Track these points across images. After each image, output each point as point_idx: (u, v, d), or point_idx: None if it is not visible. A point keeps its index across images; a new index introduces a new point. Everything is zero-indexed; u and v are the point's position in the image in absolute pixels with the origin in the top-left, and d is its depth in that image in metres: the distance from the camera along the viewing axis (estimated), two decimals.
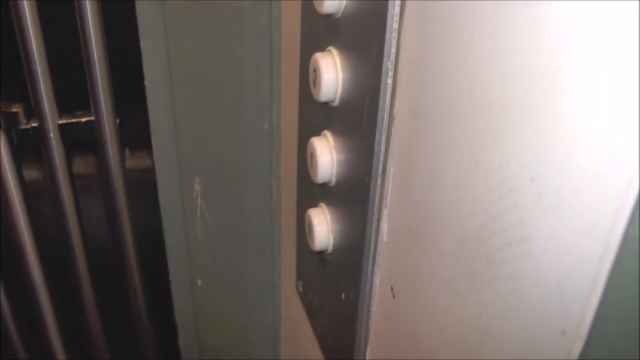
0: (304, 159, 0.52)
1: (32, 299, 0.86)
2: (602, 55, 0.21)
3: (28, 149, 0.82)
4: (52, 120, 0.78)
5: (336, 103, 0.46)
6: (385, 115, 0.38)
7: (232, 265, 0.82)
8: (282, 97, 0.68)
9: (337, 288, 0.49)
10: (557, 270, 0.24)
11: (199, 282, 0.84)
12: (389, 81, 0.37)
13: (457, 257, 0.31)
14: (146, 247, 0.90)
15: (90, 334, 0.91)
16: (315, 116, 0.50)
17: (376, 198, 0.40)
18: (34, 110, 0.76)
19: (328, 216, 0.49)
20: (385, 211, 0.40)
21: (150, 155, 0.76)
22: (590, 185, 0.21)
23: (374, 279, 0.43)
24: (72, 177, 0.82)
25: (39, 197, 0.87)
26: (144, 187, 0.88)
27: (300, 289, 0.63)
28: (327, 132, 0.48)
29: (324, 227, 0.49)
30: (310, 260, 0.57)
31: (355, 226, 0.44)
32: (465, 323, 0.31)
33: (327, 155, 0.47)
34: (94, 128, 0.80)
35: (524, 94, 0.25)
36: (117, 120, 0.80)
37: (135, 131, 0.82)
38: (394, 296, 0.40)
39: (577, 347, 0.22)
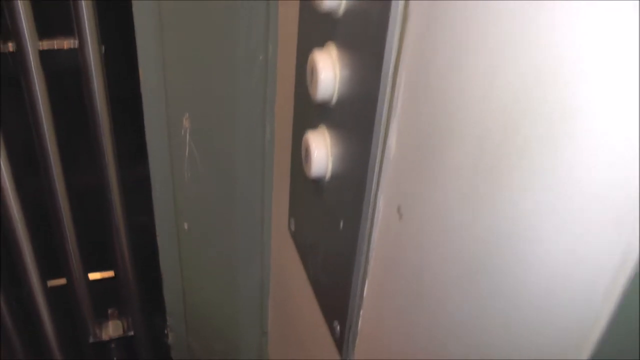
0: (303, 78, 0.48)
1: (11, 243, 0.82)
2: None
3: (6, 77, 0.77)
4: (32, 44, 0.72)
5: (341, 12, 0.41)
6: (400, 8, 0.33)
7: (220, 207, 0.77)
8: (280, 25, 0.63)
9: (334, 217, 0.45)
10: (612, 155, 0.19)
11: (186, 226, 0.80)
12: None
13: (480, 157, 0.27)
14: (131, 188, 0.85)
15: (72, 281, 0.87)
16: (317, 28, 0.46)
17: (384, 109, 0.36)
18: (11, 31, 0.71)
19: (328, 139, 0.45)
20: (394, 123, 0.36)
21: (137, 90, 0.71)
22: None
23: (377, 200, 0.39)
24: (53, 107, 0.77)
25: (18, 131, 0.82)
26: (130, 124, 0.83)
27: (293, 228, 0.59)
28: (330, 44, 0.43)
29: (322, 150, 0.45)
30: (305, 192, 0.53)
31: (358, 144, 0.39)
32: (486, 240, 0.27)
33: (329, 69, 0.42)
34: (77, 56, 0.75)
35: None
36: (102, 48, 0.74)
37: (121, 61, 0.77)
38: (400, 216, 0.36)
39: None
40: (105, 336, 0.89)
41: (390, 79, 0.35)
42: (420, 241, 0.34)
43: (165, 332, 0.91)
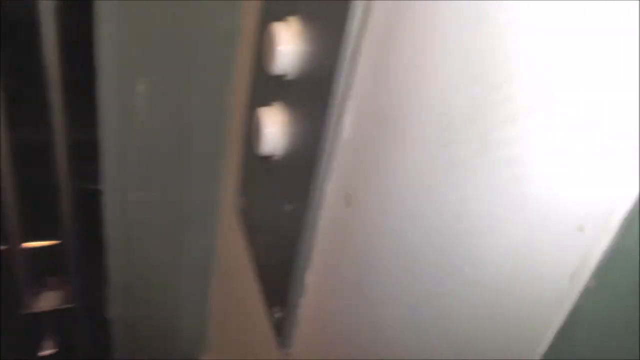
0: (262, 51, 0.45)
1: None
2: None
3: None
4: None
5: None
6: None
7: (171, 179, 0.74)
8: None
9: (281, 199, 0.43)
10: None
11: (134, 196, 0.77)
12: None
13: (440, 145, 0.25)
14: (81, 153, 0.81)
15: (9, 247, 0.82)
16: (279, 3, 0.43)
17: (341, 88, 0.34)
18: None
19: (280, 116, 0.42)
20: (350, 103, 0.34)
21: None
22: None
23: (325, 185, 0.37)
24: (6, 59, 0.73)
25: None
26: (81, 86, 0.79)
27: (241, 207, 0.57)
28: (291, 18, 0.41)
29: (273, 127, 0.42)
30: (255, 170, 0.51)
31: (311, 123, 0.37)
32: (444, 226, 0.25)
33: (288, 43, 0.40)
34: (32, 7, 0.70)
35: None
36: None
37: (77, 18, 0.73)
38: (348, 204, 0.34)
39: (601, 244, 0.17)
40: (42, 307, 0.85)
41: (349, 55, 0.33)
42: (367, 231, 0.32)
43: (106, 306, 0.88)
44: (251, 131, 0.49)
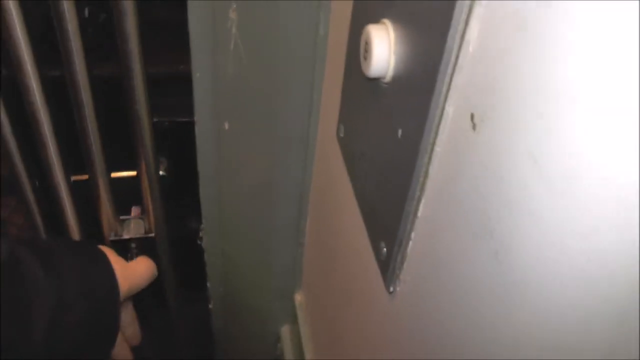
0: None
1: (35, 135, 0.78)
2: None
3: None
4: None
5: None
6: None
7: (264, 107, 0.72)
8: None
9: (391, 124, 0.39)
10: None
11: (226, 126, 0.75)
12: None
13: (606, 51, 0.20)
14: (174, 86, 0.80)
15: (94, 177, 0.83)
16: None
17: None
18: None
19: (392, 34, 0.38)
20: (478, 10, 0.29)
21: None
22: None
23: (446, 105, 0.33)
24: None
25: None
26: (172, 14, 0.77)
27: (342, 134, 0.54)
28: None
29: (384, 46, 0.38)
30: (359, 95, 0.47)
31: (429, 38, 0.33)
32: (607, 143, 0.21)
33: None
34: None
35: None
36: None
37: None
38: (473, 126, 0.30)
39: None
40: (126, 234, 0.86)
41: None
42: (495, 161, 0.28)
43: (200, 235, 0.89)
44: (356, 53, 0.45)
